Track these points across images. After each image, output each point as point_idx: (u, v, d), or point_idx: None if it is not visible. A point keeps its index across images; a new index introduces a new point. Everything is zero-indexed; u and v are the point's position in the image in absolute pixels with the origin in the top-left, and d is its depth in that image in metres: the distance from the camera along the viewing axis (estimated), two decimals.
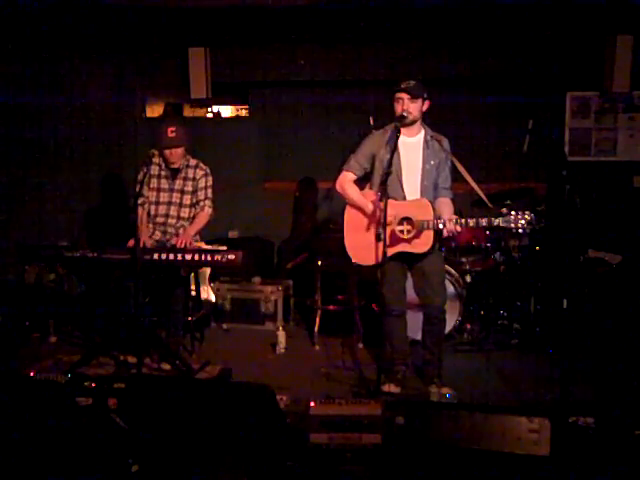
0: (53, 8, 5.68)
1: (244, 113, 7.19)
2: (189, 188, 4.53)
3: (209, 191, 4.54)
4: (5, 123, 6.13)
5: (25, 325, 5.17)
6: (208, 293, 4.95)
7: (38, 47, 6.01)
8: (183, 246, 4.25)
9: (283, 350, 4.80)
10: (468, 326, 5.06)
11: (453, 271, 4.94)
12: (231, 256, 4.00)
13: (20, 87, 6.05)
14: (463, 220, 3.67)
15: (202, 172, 4.54)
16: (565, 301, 4.84)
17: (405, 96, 3.77)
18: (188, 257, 4.07)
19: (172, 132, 4.35)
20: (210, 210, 4.52)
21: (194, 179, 4.52)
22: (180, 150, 4.42)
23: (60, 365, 4.31)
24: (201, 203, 4.52)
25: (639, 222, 5.83)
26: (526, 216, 3.62)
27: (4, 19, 5.62)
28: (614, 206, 6.02)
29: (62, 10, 5.72)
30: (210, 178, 4.56)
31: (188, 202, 4.54)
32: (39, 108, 6.17)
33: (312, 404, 3.01)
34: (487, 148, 6.28)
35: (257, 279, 5.55)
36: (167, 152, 4.38)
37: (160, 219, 4.53)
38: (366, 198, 3.92)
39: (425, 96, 3.83)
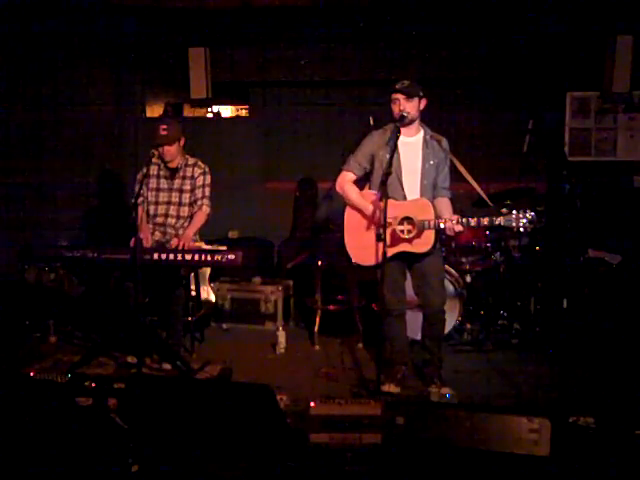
0: (53, 7, 5.68)
1: (244, 113, 7.20)
2: (188, 187, 4.52)
3: (207, 190, 4.53)
4: (5, 123, 6.13)
5: (25, 325, 5.17)
6: (208, 293, 4.94)
7: (38, 47, 6.01)
8: (182, 247, 4.23)
9: (283, 350, 4.80)
10: (468, 326, 5.06)
11: (453, 271, 4.94)
12: (231, 256, 4.00)
13: (21, 87, 6.05)
14: (464, 219, 3.67)
15: (200, 170, 4.53)
16: (565, 301, 4.86)
17: (400, 96, 3.77)
18: (188, 257, 4.06)
19: (164, 130, 4.35)
20: (208, 209, 4.51)
21: (192, 177, 4.52)
22: (173, 148, 4.41)
23: (60, 365, 4.31)
24: (199, 202, 4.51)
25: (639, 222, 5.83)
26: (527, 215, 3.62)
27: (4, 18, 5.62)
28: (614, 206, 6.02)
29: (62, 10, 5.73)
30: (208, 177, 4.55)
31: (187, 201, 4.53)
32: (39, 108, 6.17)
33: (312, 404, 3.01)
34: (487, 148, 6.28)
35: (257, 279, 5.55)
36: (160, 149, 4.39)
37: (160, 219, 4.53)
38: (366, 199, 3.92)
39: (421, 95, 3.83)
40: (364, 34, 6.11)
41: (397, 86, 3.78)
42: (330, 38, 6.25)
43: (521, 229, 3.67)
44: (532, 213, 3.64)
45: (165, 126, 4.37)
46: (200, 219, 4.49)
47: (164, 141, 4.35)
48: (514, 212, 3.66)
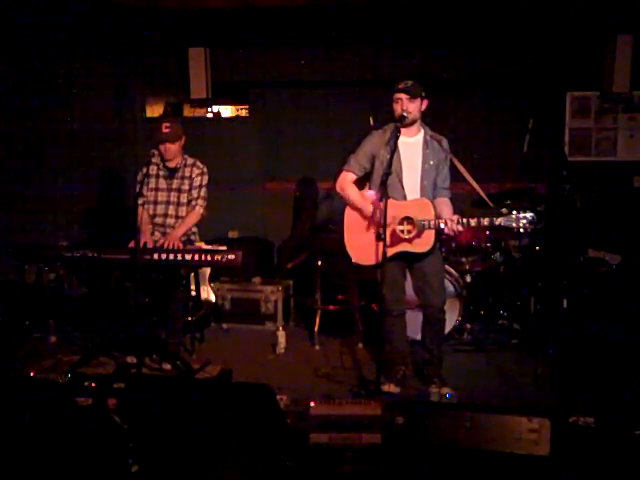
0: (53, 7, 5.68)
1: (244, 113, 7.20)
2: (186, 187, 4.51)
3: (202, 190, 4.52)
4: (5, 123, 6.13)
5: (25, 325, 5.17)
6: (208, 293, 4.94)
7: (38, 47, 6.00)
8: (170, 247, 4.21)
9: (283, 350, 4.80)
10: (468, 326, 5.06)
11: (453, 271, 4.94)
12: (231, 256, 4.00)
13: (20, 87, 6.05)
14: (465, 220, 3.68)
15: (198, 170, 4.53)
16: (565, 301, 4.86)
17: (404, 96, 3.78)
18: (188, 257, 4.06)
19: (167, 127, 4.35)
20: (201, 210, 4.49)
21: (190, 177, 4.51)
22: (174, 146, 4.41)
23: (60, 365, 4.31)
24: (193, 202, 4.49)
25: (639, 222, 5.83)
26: (527, 215, 3.63)
27: (3, 18, 5.62)
28: (614, 206, 6.02)
29: (62, 10, 5.73)
30: (205, 177, 4.54)
31: (185, 201, 4.52)
32: (39, 108, 6.16)
33: (312, 404, 3.01)
34: (487, 148, 6.28)
35: (257, 279, 5.55)
36: (162, 147, 4.39)
37: (159, 219, 4.52)
38: (366, 199, 3.92)
39: (423, 95, 3.84)
40: (364, 34, 6.11)
41: (400, 86, 3.79)
42: (330, 38, 6.25)
43: (521, 230, 3.68)
44: (532, 214, 3.64)
45: (168, 124, 4.38)
46: (192, 219, 4.48)
47: (167, 138, 4.35)
48: (514, 212, 3.67)
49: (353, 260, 3.97)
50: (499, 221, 3.66)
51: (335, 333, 5.15)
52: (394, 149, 3.70)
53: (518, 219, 3.64)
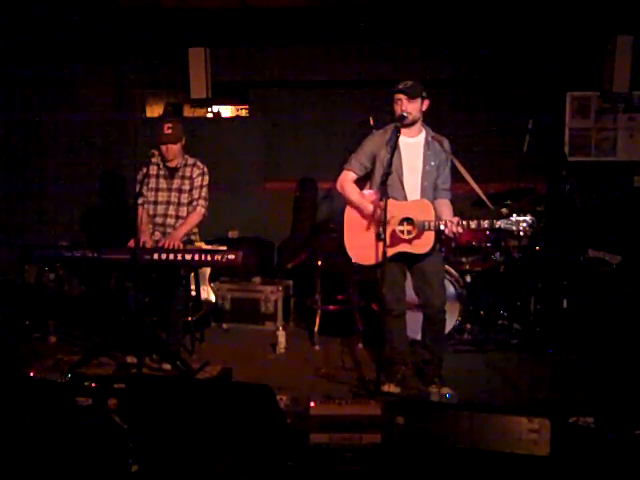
0: (54, 8, 5.69)
1: (244, 113, 7.20)
2: (187, 187, 4.51)
3: (204, 190, 4.52)
4: (5, 123, 6.13)
5: (25, 325, 5.17)
6: (208, 293, 4.95)
7: (38, 47, 6.01)
8: (170, 247, 4.21)
9: (283, 350, 4.80)
10: (468, 326, 5.06)
11: (453, 271, 4.94)
12: (231, 256, 4.00)
13: (21, 87, 6.05)
14: (465, 222, 3.68)
15: (199, 171, 4.53)
16: (565, 301, 4.86)
17: (403, 97, 3.78)
18: (188, 257, 4.06)
19: (169, 128, 4.36)
20: (203, 210, 4.50)
21: (191, 177, 4.52)
22: (176, 147, 4.42)
23: (60, 365, 4.31)
24: (194, 202, 4.50)
25: (639, 222, 5.83)
26: (527, 219, 3.63)
27: (4, 19, 5.62)
28: (614, 206, 6.02)
29: (62, 10, 5.73)
30: (206, 177, 4.55)
31: (186, 201, 4.52)
32: (39, 108, 6.17)
33: (312, 404, 3.01)
34: (487, 148, 6.27)
35: (257, 279, 5.55)
36: (163, 148, 4.39)
37: (159, 219, 4.52)
38: (366, 198, 3.92)
39: (424, 95, 3.84)
40: (364, 34, 6.11)
41: (400, 86, 3.79)
42: (330, 38, 6.25)
43: (521, 233, 3.68)
44: (532, 217, 3.65)
45: (170, 125, 4.38)
46: (193, 220, 4.48)
47: (169, 140, 4.36)
48: (514, 216, 3.68)
49: (353, 260, 3.97)
50: (499, 224, 3.67)
51: (335, 333, 5.15)
52: (394, 149, 3.70)
53: (518, 222, 3.64)
